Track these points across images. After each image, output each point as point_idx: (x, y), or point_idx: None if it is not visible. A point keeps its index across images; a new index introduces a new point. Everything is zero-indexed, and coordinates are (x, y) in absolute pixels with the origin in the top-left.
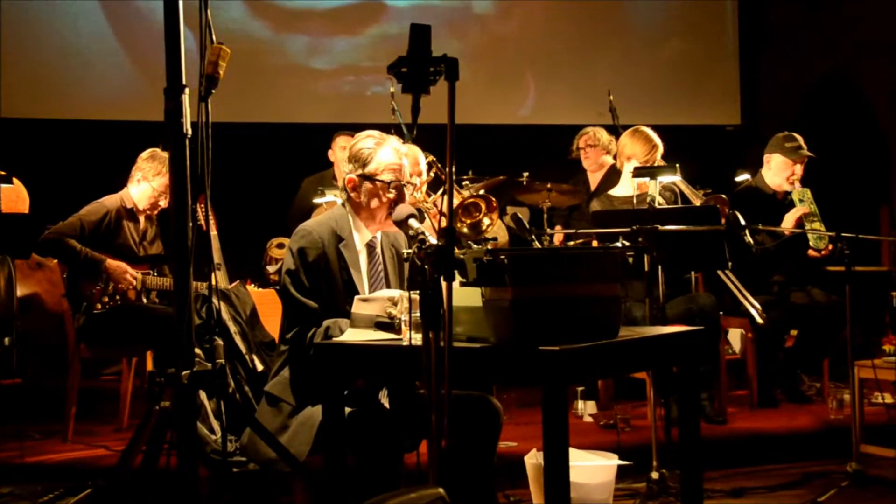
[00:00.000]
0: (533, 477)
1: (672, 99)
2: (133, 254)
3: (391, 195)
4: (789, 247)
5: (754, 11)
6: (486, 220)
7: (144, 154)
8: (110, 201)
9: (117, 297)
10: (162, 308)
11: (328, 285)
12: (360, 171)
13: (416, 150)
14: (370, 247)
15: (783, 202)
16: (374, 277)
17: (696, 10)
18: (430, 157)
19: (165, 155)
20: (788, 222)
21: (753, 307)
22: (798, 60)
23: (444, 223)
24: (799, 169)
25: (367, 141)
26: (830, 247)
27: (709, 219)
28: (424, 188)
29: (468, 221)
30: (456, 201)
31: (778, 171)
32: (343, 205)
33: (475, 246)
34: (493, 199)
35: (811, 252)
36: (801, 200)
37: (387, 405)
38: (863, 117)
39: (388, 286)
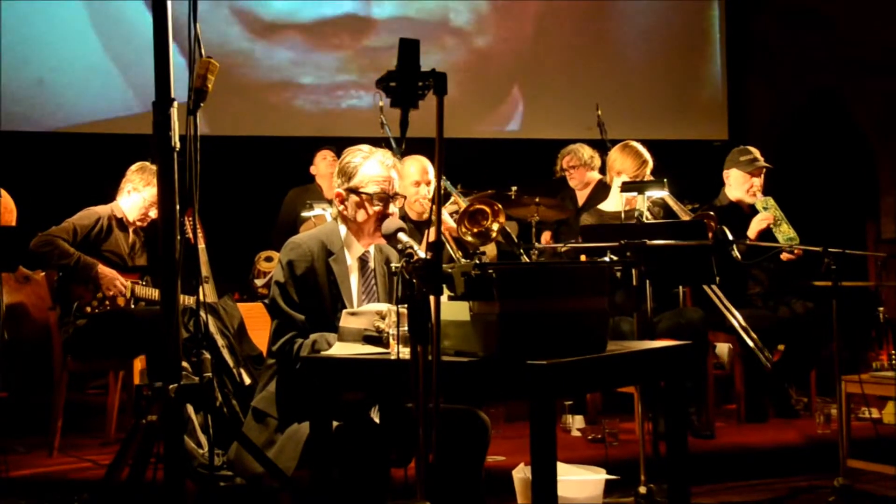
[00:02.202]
0: (521, 491)
1: (660, 114)
2: (123, 262)
3: (377, 207)
4: (767, 258)
5: (742, 27)
6: (495, 226)
7: (134, 167)
8: (102, 210)
9: (107, 303)
10: (150, 310)
11: (316, 299)
12: (346, 185)
13: (424, 161)
14: (362, 261)
15: (752, 216)
16: (367, 292)
17: (683, 25)
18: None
19: (154, 167)
20: (753, 230)
21: (762, 353)
22: (785, 76)
23: (447, 234)
24: (757, 181)
25: (353, 156)
26: (800, 249)
27: (696, 234)
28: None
29: (475, 230)
30: (457, 209)
31: (737, 185)
32: (335, 219)
33: (464, 260)
34: (497, 203)
35: (784, 256)
36: (765, 208)
37: (377, 420)
38: (849, 133)
39: (380, 301)
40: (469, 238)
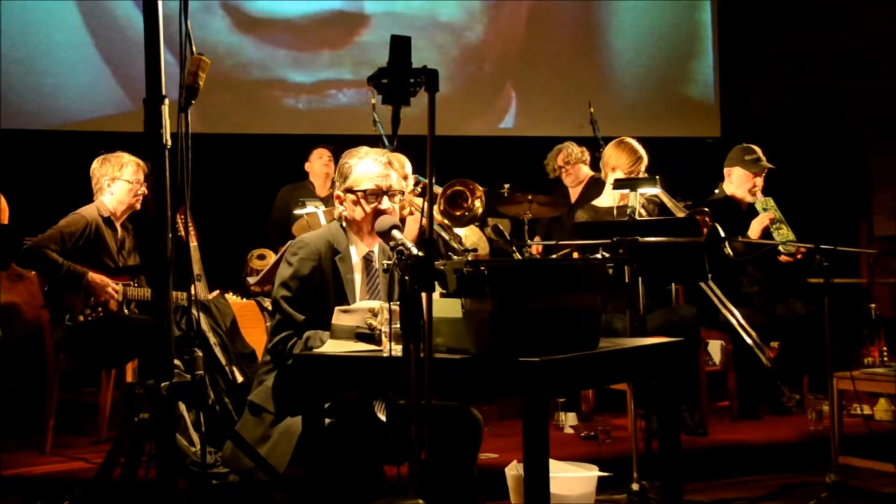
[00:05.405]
0: (513, 488)
1: (652, 111)
2: (114, 264)
3: (373, 204)
4: (762, 256)
5: (734, 25)
6: (477, 203)
7: (95, 164)
8: (88, 212)
9: (99, 309)
10: (144, 318)
11: (321, 297)
12: (343, 186)
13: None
14: (367, 260)
15: (748, 213)
16: (371, 291)
17: (676, 23)
18: (423, 183)
19: (113, 153)
20: (755, 229)
21: (760, 350)
22: (778, 73)
23: (426, 224)
24: (760, 181)
25: (350, 157)
26: (803, 249)
27: (689, 230)
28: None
29: (457, 213)
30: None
31: (739, 183)
32: (338, 220)
33: (456, 257)
34: (471, 181)
35: (783, 258)
36: (764, 209)
37: (383, 418)
38: (841, 131)
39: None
40: (456, 221)
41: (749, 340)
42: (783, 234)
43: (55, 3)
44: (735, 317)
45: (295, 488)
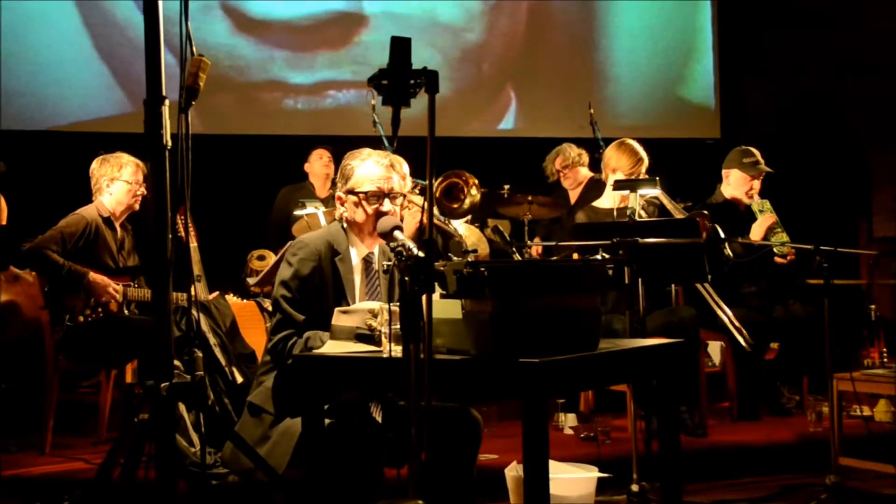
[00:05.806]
0: (513, 489)
1: (652, 112)
2: (114, 265)
3: (374, 206)
4: (762, 257)
5: (734, 26)
6: (474, 191)
7: (94, 164)
8: (88, 212)
9: (99, 310)
10: (144, 319)
11: (320, 298)
12: (344, 188)
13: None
14: (367, 262)
15: (747, 214)
16: (371, 292)
17: (676, 24)
18: (420, 187)
19: (113, 153)
20: (756, 232)
21: (740, 333)
22: (777, 75)
23: (425, 219)
24: (757, 184)
25: (352, 159)
26: (793, 253)
27: (688, 232)
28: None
29: (454, 205)
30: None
31: (737, 185)
32: (339, 221)
33: (455, 256)
34: (464, 172)
35: (777, 259)
36: (760, 211)
37: (379, 419)
38: (841, 132)
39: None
40: (455, 214)
41: (731, 327)
42: (779, 235)
43: (55, 5)
44: (727, 315)
45: (294, 489)
